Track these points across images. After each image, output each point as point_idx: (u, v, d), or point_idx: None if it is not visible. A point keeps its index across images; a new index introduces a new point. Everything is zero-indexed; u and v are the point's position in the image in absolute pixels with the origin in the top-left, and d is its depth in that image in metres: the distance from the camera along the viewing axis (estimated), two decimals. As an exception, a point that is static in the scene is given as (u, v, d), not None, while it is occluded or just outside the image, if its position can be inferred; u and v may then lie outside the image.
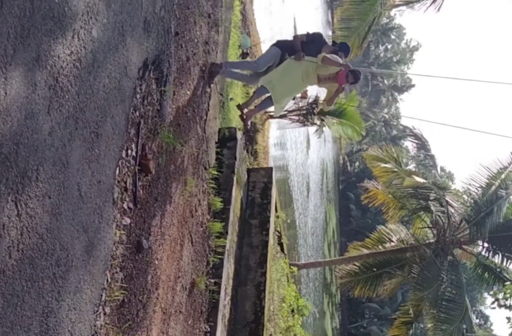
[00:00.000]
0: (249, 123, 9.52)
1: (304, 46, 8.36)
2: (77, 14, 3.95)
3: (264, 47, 14.35)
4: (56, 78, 3.69)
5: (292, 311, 15.54)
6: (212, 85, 8.44)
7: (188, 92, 7.29)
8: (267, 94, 8.65)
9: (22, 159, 3.34)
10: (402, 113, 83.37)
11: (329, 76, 8.23)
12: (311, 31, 8.81)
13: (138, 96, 5.36)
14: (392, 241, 18.47)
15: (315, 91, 15.52)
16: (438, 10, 12.48)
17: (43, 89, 3.53)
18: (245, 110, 8.98)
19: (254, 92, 8.90)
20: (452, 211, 17.57)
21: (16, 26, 3.25)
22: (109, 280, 4.69)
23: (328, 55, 8.16)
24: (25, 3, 3.31)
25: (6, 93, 3.16)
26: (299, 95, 9.24)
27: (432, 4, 12.49)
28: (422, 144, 20.85)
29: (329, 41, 8.99)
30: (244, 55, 13.19)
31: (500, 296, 21.61)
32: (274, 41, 8.96)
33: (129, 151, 5.21)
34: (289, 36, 9.89)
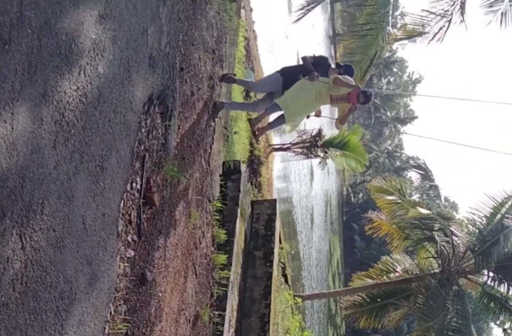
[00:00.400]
0: (260, 139, 9.68)
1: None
2: (83, 51, 4.04)
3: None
4: (62, 113, 3.76)
5: (297, 343, 15.43)
6: (216, 120, 8.54)
7: (193, 126, 7.37)
8: (280, 112, 8.78)
9: (28, 193, 3.39)
10: (405, 144, 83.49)
11: (341, 97, 8.40)
12: (317, 54, 8.98)
13: (143, 130, 5.44)
14: (397, 271, 18.43)
15: (318, 124, 15.66)
16: (441, 41, 12.67)
17: (49, 124, 3.60)
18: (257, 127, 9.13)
19: (266, 108, 8.98)
20: (457, 240, 17.54)
21: (24, 62, 3.33)
22: (113, 312, 4.69)
23: (340, 77, 8.35)
24: (32, 41, 3.40)
25: (12, 128, 3.22)
26: (313, 114, 9.30)
27: (434, 37, 12.68)
28: (426, 174, 20.87)
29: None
30: (247, 90, 13.33)
31: (507, 325, 21.41)
32: (279, 68, 9.09)
33: (134, 185, 5.27)
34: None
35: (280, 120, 8.88)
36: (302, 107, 8.59)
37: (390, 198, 18.05)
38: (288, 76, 8.61)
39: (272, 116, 9.58)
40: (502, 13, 12.10)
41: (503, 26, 12.14)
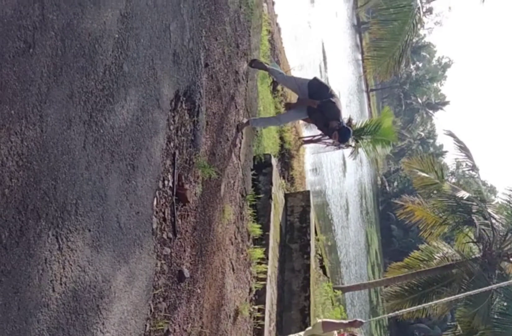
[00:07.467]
0: None
1: (313, 113, 8.17)
2: (107, 50, 4.05)
3: (294, 74, 14.45)
4: (90, 113, 3.77)
5: (339, 335, 15.36)
6: (240, 133, 8.43)
7: (221, 122, 7.37)
8: None
9: (61, 194, 3.41)
10: (438, 130, 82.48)
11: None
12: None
13: (171, 127, 5.45)
14: (435, 259, 18.19)
15: (348, 114, 15.55)
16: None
17: (78, 125, 3.62)
18: None
19: None
20: (497, 223, 17.25)
21: (49, 65, 3.34)
22: (153, 310, 4.72)
23: (326, 320, 6.67)
24: (56, 43, 3.41)
25: (42, 130, 3.24)
26: None
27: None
28: (465, 151, 20.10)
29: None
30: (274, 83, 13.30)
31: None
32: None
33: (166, 182, 5.28)
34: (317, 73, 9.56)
35: None
36: None
37: (427, 175, 17.74)
38: (314, 88, 8.26)
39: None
40: None
41: None
